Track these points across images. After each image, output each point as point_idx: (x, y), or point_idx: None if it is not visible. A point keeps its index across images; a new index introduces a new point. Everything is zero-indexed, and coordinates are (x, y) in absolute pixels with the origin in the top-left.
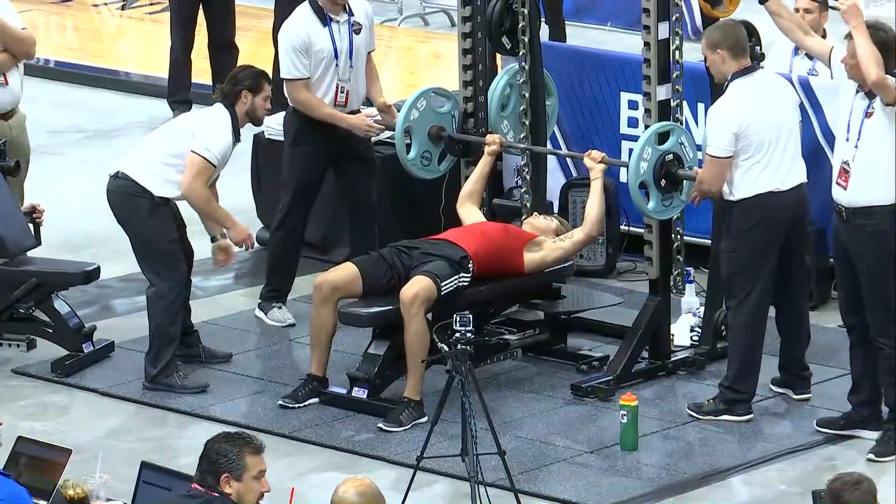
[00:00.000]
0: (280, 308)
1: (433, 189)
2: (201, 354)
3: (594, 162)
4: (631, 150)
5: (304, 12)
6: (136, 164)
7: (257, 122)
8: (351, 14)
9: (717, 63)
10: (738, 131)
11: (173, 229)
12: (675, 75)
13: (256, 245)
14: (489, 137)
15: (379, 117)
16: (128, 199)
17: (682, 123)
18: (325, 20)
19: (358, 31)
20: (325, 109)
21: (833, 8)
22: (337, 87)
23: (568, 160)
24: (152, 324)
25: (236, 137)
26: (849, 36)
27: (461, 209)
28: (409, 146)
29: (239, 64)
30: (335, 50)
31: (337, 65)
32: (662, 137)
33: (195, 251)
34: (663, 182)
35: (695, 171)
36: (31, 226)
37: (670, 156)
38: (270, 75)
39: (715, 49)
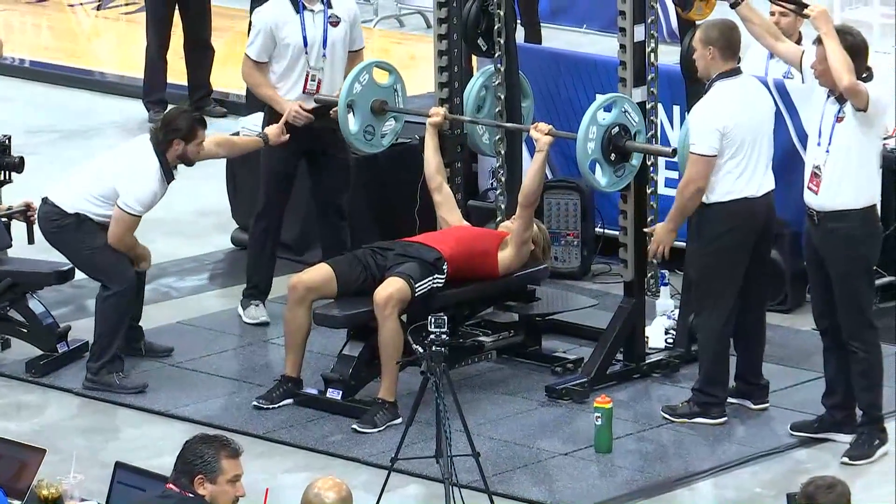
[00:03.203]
0: (257, 306)
1: (408, 191)
2: (142, 349)
3: (540, 133)
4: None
5: None
6: (64, 195)
7: (189, 164)
8: (329, 6)
9: (706, 59)
10: (723, 131)
11: (102, 236)
12: (650, 78)
13: (231, 246)
14: (433, 109)
15: (312, 105)
16: (53, 223)
17: (656, 126)
18: (299, 7)
19: (335, 24)
20: (264, 90)
21: (803, 16)
22: (307, 76)
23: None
24: (104, 322)
25: (167, 179)
26: (818, 41)
27: (437, 193)
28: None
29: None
30: (304, 38)
31: (307, 52)
32: (605, 112)
33: (167, 252)
34: (613, 156)
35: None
36: (24, 224)
37: (616, 128)
38: None
39: (707, 45)
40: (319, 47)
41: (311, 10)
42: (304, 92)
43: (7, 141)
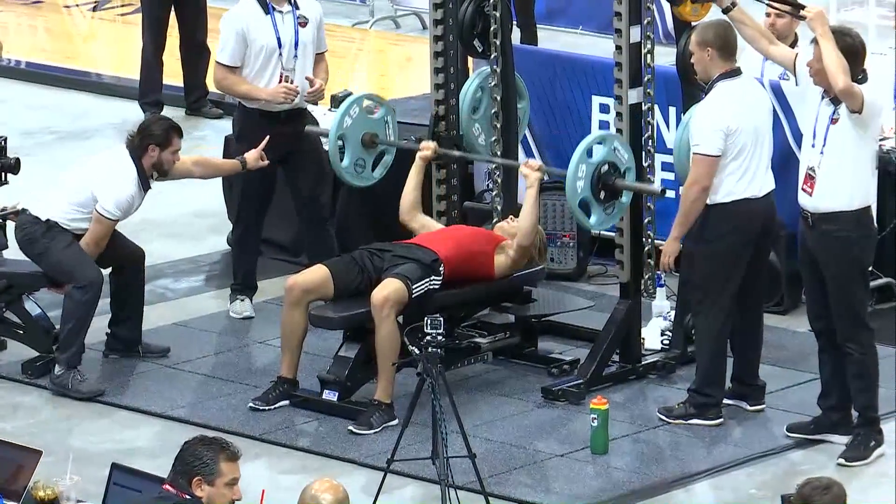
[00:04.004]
0: (242, 301)
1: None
2: (140, 351)
3: (531, 170)
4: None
5: (248, 1)
6: (42, 204)
7: (163, 174)
8: (296, 7)
9: (704, 61)
10: (727, 131)
11: (68, 238)
12: (646, 79)
13: (227, 247)
14: (423, 143)
15: (293, 85)
16: (23, 231)
17: (653, 128)
18: (268, 9)
19: (303, 25)
20: (240, 87)
21: (800, 17)
22: (281, 77)
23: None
24: (71, 319)
25: (144, 187)
26: (815, 40)
27: (412, 222)
28: (342, 154)
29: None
30: (278, 40)
31: (280, 54)
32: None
33: (163, 253)
34: (602, 194)
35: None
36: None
37: (605, 166)
38: None
39: (705, 47)
40: (291, 48)
41: (280, 12)
42: None
43: (3, 142)
